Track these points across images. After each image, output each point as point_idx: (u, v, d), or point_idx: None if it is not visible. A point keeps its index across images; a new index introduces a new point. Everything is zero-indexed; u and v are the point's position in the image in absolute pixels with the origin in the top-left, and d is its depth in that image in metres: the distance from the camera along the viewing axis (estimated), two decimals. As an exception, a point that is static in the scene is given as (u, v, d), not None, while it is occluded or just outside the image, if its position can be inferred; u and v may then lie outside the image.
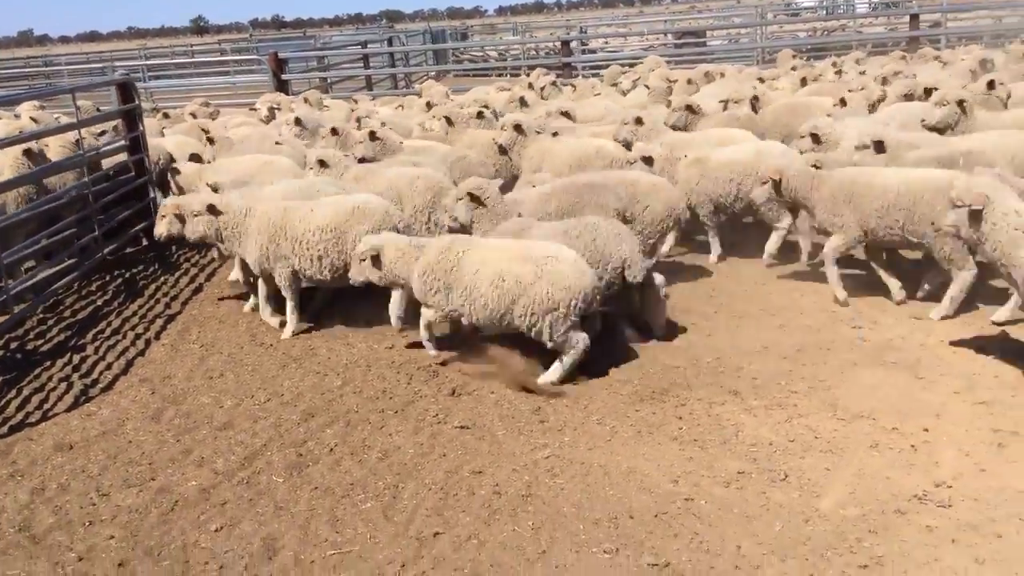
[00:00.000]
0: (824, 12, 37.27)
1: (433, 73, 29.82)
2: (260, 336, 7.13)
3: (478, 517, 4.45)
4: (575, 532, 4.28)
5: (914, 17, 18.82)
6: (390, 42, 27.20)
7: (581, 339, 5.76)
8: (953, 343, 6.09)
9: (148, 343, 7.16)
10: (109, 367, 6.72)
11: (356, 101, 15.18)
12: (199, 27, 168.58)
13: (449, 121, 9.69)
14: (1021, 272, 5.21)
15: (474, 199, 6.66)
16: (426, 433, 5.36)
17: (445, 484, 4.77)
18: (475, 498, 4.63)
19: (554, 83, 13.39)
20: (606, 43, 31.94)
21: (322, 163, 8.21)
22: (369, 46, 26.11)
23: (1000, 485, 4.41)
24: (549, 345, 5.78)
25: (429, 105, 12.41)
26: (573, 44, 27.66)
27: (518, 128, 8.97)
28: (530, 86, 13.13)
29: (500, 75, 26.29)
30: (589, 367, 5.96)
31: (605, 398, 5.71)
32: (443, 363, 6.28)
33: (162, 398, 6.09)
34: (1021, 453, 4.68)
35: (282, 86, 16.38)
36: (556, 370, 5.86)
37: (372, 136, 8.82)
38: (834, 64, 12.67)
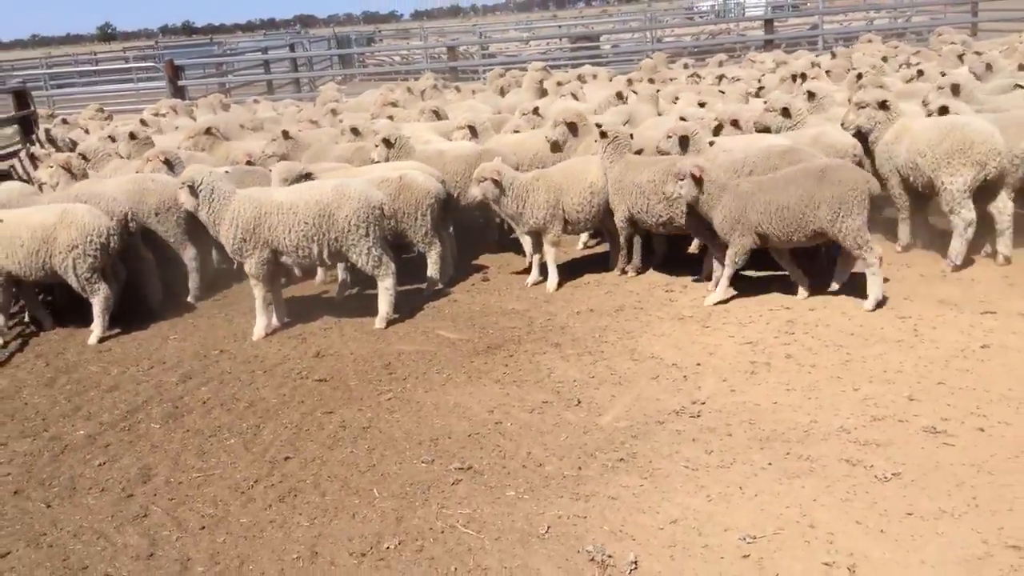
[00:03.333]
0: (714, 16, 39.28)
1: (340, 77, 30.57)
2: (144, 314, 7.90)
3: (323, 444, 5.39)
4: (402, 450, 5.25)
5: (768, 22, 20.32)
6: (292, 48, 27.82)
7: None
8: (735, 298, 7.25)
9: (41, 325, 7.88)
10: (5, 346, 7.43)
11: (257, 101, 15.97)
12: (106, 34, 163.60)
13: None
14: None
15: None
16: (289, 386, 6.27)
17: (300, 423, 5.70)
18: (323, 432, 5.56)
19: (435, 86, 14.35)
20: (506, 47, 33.19)
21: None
22: (272, 52, 26.67)
23: (742, 400, 5.54)
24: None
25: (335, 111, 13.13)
26: (473, 49, 28.86)
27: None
28: (408, 90, 14.07)
29: (405, 79, 27.11)
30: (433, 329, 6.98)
31: (447, 354, 6.70)
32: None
33: (55, 369, 6.86)
34: (766, 378, 5.83)
35: (178, 92, 16.97)
36: None
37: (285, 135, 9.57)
38: (685, 66, 13.96)
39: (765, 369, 5.96)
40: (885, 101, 7.60)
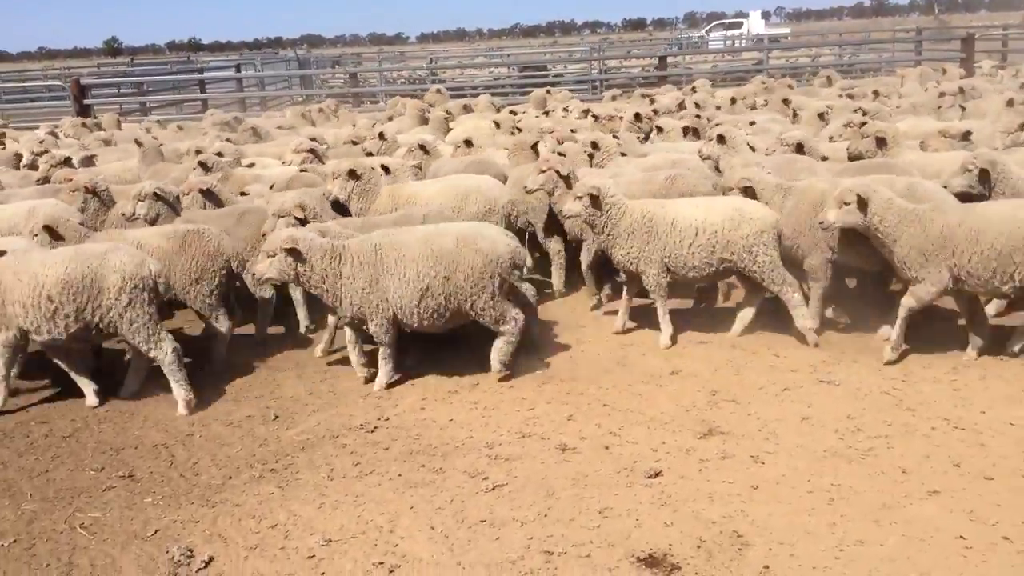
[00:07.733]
0: (676, 47, 39.93)
1: (301, 98, 31.06)
2: None
3: (15, 451, 5.67)
4: (82, 459, 5.52)
5: (662, 59, 20.83)
6: (237, 68, 28.23)
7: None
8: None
9: None
10: None
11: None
12: (112, 48, 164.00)
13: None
14: None
15: None
16: (23, 399, 6.55)
17: (11, 431, 5.98)
18: (27, 439, 5.84)
19: (321, 111, 14.89)
20: (461, 73, 33.82)
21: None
22: (211, 73, 27.17)
23: (424, 418, 5.82)
24: None
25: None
26: (423, 74, 29.41)
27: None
28: (302, 115, 14.59)
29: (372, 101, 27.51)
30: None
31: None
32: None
33: None
34: (463, 397, 6.07)
35: (83, 111, 17.33)
36: None
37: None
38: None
39: (468, 389, 6.24)
40: (353, 170, 7.87)
